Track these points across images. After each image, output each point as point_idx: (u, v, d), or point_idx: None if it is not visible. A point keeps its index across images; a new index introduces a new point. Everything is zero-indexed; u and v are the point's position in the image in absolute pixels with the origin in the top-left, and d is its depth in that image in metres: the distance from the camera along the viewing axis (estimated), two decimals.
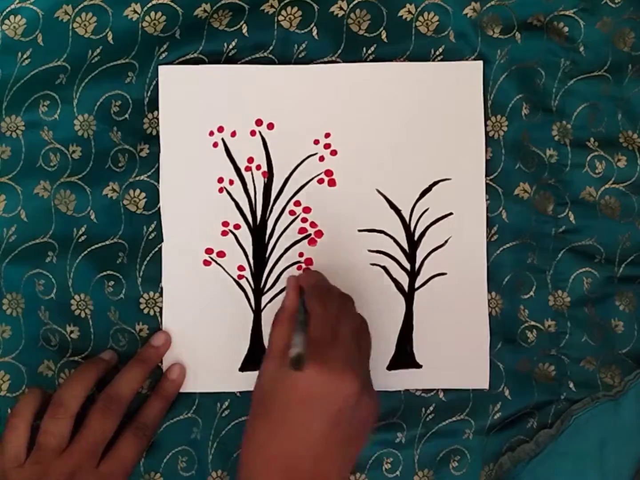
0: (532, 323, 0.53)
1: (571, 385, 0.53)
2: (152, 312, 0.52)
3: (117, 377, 0.50)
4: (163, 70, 0.52)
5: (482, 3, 0.53)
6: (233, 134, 0.53)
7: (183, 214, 0.53)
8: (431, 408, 0.53)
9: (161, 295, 0.52)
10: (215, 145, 0.53)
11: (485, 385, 0.53)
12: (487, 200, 0.53)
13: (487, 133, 0.53)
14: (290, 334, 0.44)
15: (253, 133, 0.53)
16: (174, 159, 0.53)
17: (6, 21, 0.52)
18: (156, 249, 0.52)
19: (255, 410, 0.45)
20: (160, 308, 0.52)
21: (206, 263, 0.53)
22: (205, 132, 0.53)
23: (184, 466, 0.52)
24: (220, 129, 0.53)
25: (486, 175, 0.53)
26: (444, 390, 0.53)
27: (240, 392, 0.52)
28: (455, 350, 0.53)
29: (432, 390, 0.53)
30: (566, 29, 0.54)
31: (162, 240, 0.52)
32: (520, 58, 0.53)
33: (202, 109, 0.53)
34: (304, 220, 0.53)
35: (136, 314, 0.52)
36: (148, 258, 0.52)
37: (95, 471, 0.48)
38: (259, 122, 0.53)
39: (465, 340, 0.53)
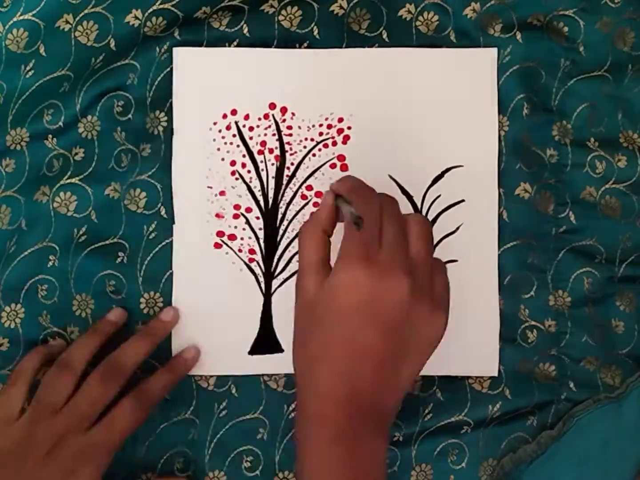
0: (533, 323, 0.53)
1: (571, 385, 0.53)
2: (152, 312, 0.52)
3: (123, 345, 0.50)
4: (177, 52, 0.52)
5: (482, 3, 0.53)
6: (246, 117, 0.53)
7: (195, 196, 0.52)
8: (429, 408, 0.53)
9: (162, 295, 0.52)
10: (228, 128, 0.53)
11: (495, 373, 0.53)
12: None
13: None
14: (324, 246, 0.43)
15: (266, 116, 0.53)
16: (186, 140, 0.52)
17: (9, 35, 0.52)
18: (157, 248, 0.52)
19: (305, 320, 0.43)
20: (160, 308, 0.52)
21: (217, 246, 0.53)
22: (218, 114, 0.53)
23: (180, 467, 0.52)
24: (234, 112, 0.53)
25: None
26: (442, 389, 0.53)
27: (237, 393, 0.52)
28: (465, 337, 0.52)
29: (430, 389, 0.53)
30: (566, 28, 0.54)
31: (162, 240, 0.52)
32: (520, 58, 0.53)
33: (215, 91, 0.53)
34: (316, 204, 0.53)
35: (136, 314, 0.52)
36: (149, 258, 0.52)
37: (84, 436, 0.46)
38: (272, 106, 0.53)
39: (476, 328, 0.53)
